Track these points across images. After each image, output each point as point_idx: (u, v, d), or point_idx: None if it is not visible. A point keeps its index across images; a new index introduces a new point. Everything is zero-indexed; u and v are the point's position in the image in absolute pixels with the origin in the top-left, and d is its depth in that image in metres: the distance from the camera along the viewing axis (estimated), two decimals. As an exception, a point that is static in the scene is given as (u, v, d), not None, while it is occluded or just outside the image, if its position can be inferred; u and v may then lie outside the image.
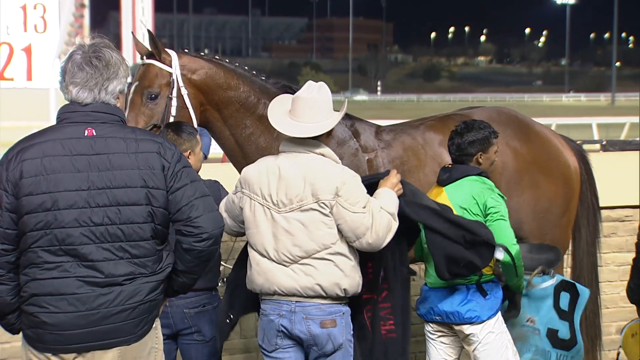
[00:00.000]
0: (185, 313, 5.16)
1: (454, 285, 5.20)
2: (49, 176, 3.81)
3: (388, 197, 4.82)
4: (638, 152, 9.54)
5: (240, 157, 5.59)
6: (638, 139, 19.63)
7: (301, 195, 4.62)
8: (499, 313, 5.27)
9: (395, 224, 4.73)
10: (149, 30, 5.48)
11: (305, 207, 4.62)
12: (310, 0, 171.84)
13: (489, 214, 5.16)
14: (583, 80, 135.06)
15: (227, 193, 5.13)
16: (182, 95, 5.37)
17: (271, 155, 4.92)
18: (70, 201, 3.81)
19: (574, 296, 5.55)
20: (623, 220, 7.34)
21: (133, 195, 3.86)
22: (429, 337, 5.40)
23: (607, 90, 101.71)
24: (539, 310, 5.50)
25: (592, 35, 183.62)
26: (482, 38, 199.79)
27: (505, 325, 5.30)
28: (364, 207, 4.64)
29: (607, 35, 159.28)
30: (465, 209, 5.17)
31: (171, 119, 5.31)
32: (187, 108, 5.37)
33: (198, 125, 5.46)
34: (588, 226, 6.25)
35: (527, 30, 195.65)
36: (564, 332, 5.47)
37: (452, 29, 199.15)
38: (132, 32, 5.70)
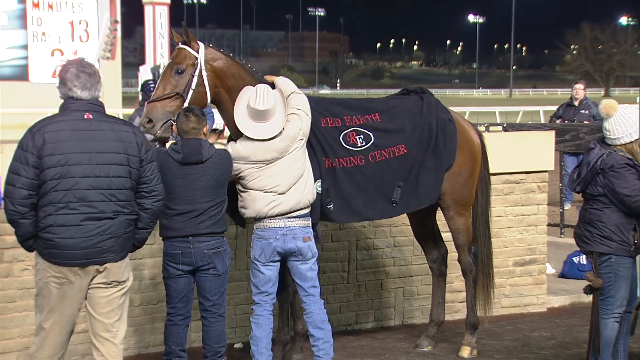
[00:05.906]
0: (205, 253, 5.08)
1: None
2: (63, 143, 4.22)
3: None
4: (529, 132, 9.59)
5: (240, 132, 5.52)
6: (530, 122, 19.78)
7: None
8: None
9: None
10: (183, 24, 5.37)
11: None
12: (287, 18, 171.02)
13: None
14: (489, 79, 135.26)
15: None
16: (202, 76, 5.26)
17: None
18: (77, 160, 4.22)
19: None
20: (518, 182, 7.40)
21: (119, 158, 4.31)
22: None
23: (506, 86, 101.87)
24: None
25: (495, 46, 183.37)
26: (415, 47, 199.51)
27: None
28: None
29: (506, 45, 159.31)
30: None
31: (190, 92, 5.22)
32: (204, 85, 5.28)
33: (210, 101, 5.39)
34: (482, 189, 6.24)
35: (448, 42, 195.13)
36: None
37: (392, 41, 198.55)
38: (169, 27, 5.59)
